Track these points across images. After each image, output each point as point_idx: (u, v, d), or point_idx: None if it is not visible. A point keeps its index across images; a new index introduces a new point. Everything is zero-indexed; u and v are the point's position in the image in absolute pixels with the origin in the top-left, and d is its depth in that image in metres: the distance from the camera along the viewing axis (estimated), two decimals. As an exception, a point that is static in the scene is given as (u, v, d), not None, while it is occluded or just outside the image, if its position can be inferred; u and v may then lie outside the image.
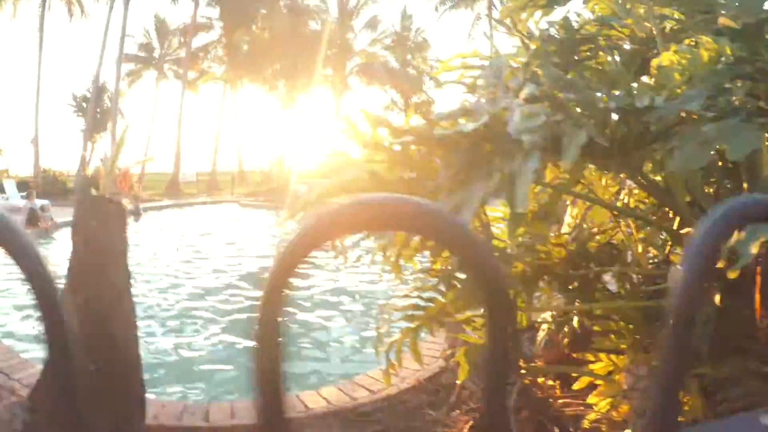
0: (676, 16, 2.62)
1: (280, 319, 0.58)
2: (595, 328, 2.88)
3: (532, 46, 2.63)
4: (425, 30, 46.26)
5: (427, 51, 42.26)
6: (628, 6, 2.75)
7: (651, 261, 2.89)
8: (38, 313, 0.64)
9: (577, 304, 2.86)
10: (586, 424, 2.85)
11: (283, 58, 34.88)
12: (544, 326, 3.56)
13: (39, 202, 17.58)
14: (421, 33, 42.26)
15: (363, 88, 40.09)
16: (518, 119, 1.49)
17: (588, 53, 2.77)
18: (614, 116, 1.73)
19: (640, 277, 2.79)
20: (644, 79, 2.42)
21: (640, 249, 2.82)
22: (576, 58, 2.73)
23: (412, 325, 2.58)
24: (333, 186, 2.14)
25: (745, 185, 2.14)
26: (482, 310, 2.29)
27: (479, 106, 1.97)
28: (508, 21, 2.85)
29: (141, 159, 29.31)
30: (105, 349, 2.83)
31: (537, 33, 2.63)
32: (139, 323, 3.16)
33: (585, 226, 3.00)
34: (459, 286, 2.43)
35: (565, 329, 3.47)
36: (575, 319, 3.22)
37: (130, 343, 2.97)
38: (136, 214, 21.59)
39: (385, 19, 41.03)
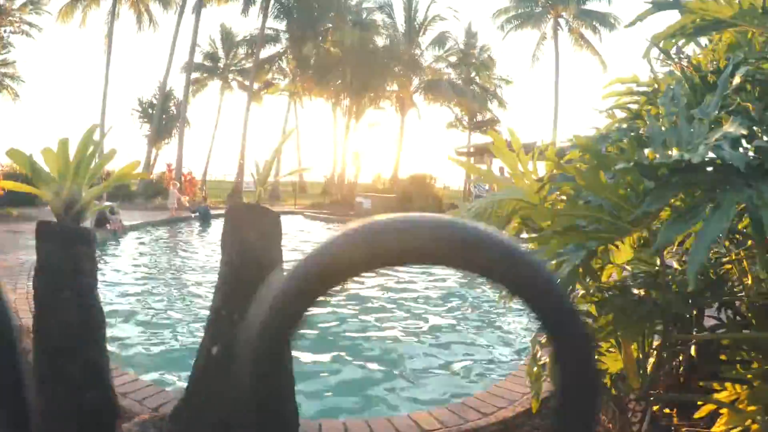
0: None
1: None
2: (722, 357, 2.85)
3: (688, 74, 2.62)
4: (490, 47, 46.13)
5: (493, 69, 42.11)
6: (749, 36, 2.72)
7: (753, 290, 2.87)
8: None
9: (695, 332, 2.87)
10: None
11: (349, 73, 35.07)
12: (654, 353, 3.52)
13: (107, 204, 17.61)
14: (486, 50, 42.23)
15: (426, 104, 39.91)
16: (734, 152, 1.52)
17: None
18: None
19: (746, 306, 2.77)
20: None
21: (750, 280, 2.79)
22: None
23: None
24: (504, 209, 2.18)
25: None
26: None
27: (658, 132, 1.99)
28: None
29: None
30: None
31: (701, 62, 2.62)
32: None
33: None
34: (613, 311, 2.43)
35: (680, 357, 3.43)
36: (693, 347, 3.20)
37: (286, 367, 2.75)
38: (206, 219, 21.86)
39: (450, 36, 40.70)
